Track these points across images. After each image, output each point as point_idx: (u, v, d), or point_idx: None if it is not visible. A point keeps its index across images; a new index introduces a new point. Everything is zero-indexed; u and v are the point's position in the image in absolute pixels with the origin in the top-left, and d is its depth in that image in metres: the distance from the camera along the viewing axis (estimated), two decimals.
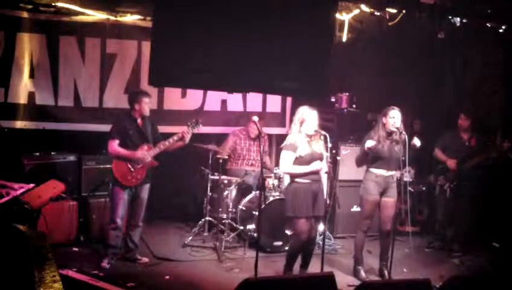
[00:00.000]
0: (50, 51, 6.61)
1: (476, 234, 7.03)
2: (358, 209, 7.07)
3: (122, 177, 5.63)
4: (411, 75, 7.98)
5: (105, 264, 5.59)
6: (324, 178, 5.32)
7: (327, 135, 5.23)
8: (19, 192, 5.00)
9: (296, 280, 3.62)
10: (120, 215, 5.67)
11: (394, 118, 5.59)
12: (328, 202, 5.29)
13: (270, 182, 6.73)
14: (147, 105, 5.70)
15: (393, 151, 5.60)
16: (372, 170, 5.69)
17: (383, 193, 5.67)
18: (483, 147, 6.83)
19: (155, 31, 4.31)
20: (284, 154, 5.28)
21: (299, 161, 5.22)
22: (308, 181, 5.23)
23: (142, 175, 5.69)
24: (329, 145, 5.27)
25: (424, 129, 7.89)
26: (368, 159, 5.72)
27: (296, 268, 5.52)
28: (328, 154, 5.34)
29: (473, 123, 6.82)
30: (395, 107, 5.65)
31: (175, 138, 5.75)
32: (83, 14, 6.60)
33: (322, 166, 5.23)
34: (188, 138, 5.77)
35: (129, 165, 5.63)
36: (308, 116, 5.25)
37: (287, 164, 5.25)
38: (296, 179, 5.27)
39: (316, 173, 5.25)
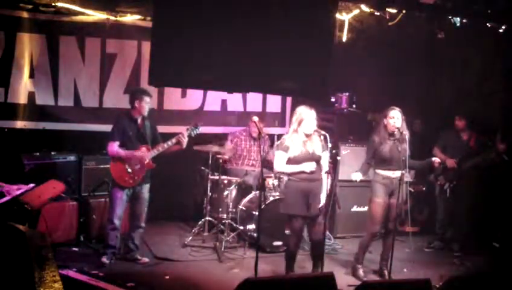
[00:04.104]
0: (50, 51, 6.61)
1: (476, 234, 7.02)
2: (359, 209, 7.11)
3: (119, 178, 5.64)
4: (411, 75, 7.97)
5: (105, 259, 5.61)
6: (325, 178, 5.34)
7: (327, 135, 5.25)
8: (17, 192, 5.00)
9: (296, 280, 3.62)
10: (118, 215, 5.67)
11: (394, 118, 5.61)
12: (324, 202, 5.30)
13: (270, 182, 6.72)
14: (148, 105, 5.70)
15: (396, 151, 5.58)
16: (379, 171, 5.72)
17: (391, 195, 5.67)
18: (482, 147, 6.84)
19: (155, 31, 4.32)
20: (276, 154, 5.40)
21: (291, 160, 5.29)
22: (298, 179, 5.28)
23: (140, 176, 5.69)
24: (329, 145, 5.28)
25: (424, 129, 7.89)
26: (375, 161, 5.74)
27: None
28: (329, 154, 5.36)
29: (470, 124, 6.82)
30: (395, 107, 5.66)
31: (173, 141, 5.73)
32: (83, 14, 6.60)
33: (312, 167, 5.24)
34: (184, 142, 5.75)
35: (126, 166, 5.63)
36: (306, 116, 5.27)
37: (279, 163, 5.36)
38: (290, 177, 5.38)
39: (309, 173, 5.26)
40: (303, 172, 5.25)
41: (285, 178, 5.89)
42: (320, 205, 5.28)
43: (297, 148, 5.26)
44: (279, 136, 7.82)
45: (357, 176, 5.78)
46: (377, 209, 5.69)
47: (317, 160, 5.27)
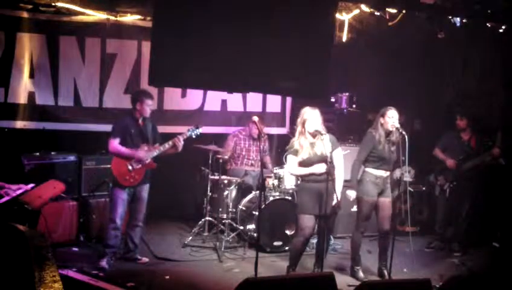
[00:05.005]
0: (50, 51, 6.63)
1: (476, 234, 7.03)
2: None
3: (120, 177, 5.64)
4: (411, 75, 7.98)
5: (104, 264, 5.59)
6: (338, 176, 5.38)
7: (327, 135, 5.26)
8: (18, 192, 5.00)
9: (296, 280, 3.61)
10: (119, 215, 5.67)
11: (393, 117, 5.58)
12: (337, 201, 5.30)
13: (270, 182, 6.73)
14: (149, 107, 5.72)
15: (391, 151, 5.60)
16: (372, 170, 5.65)
17: (380, 194, 5.67)
18: (483, 147, 6.84)
19: (155, 31, 4.31)
20: (288, 158, 5.49)
21: (302, 163, 5.35)
22: (310, 181, 5.33)
23: (141, 176, 5.70)
24: (330, 145, 5.29)
25: (424, 129, 7.89)
26: (368, 159, 5.71)
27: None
28: (341, 151, 5.46)
29: (471, 123, 6.82)
30: (392, 107, 5.65)
31: (170, 143, 5.74)
32: (83, 14, 6.61)
33: (322, 169, 5.24)
34: (180, 146, 5.76)
35: (128, 165, 5.63)
36: (308, 116, 5.30)
37: (291, 167, 5.46)
38: (302, 179, 5.46)
39: (318, 174, 5.28)
40: (313, 174, 5.29)
41: (288, 180, 6.00)
42: (334, 203, 5.29)
43: (305, 151, 5.31)
44: (279, 136, 7.88)
45: (353, 195, 5.70)
46: (366, 208, 5.67)
47: (326, 161, 5.27)
